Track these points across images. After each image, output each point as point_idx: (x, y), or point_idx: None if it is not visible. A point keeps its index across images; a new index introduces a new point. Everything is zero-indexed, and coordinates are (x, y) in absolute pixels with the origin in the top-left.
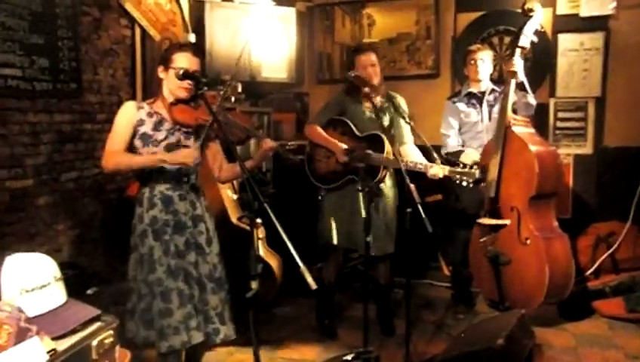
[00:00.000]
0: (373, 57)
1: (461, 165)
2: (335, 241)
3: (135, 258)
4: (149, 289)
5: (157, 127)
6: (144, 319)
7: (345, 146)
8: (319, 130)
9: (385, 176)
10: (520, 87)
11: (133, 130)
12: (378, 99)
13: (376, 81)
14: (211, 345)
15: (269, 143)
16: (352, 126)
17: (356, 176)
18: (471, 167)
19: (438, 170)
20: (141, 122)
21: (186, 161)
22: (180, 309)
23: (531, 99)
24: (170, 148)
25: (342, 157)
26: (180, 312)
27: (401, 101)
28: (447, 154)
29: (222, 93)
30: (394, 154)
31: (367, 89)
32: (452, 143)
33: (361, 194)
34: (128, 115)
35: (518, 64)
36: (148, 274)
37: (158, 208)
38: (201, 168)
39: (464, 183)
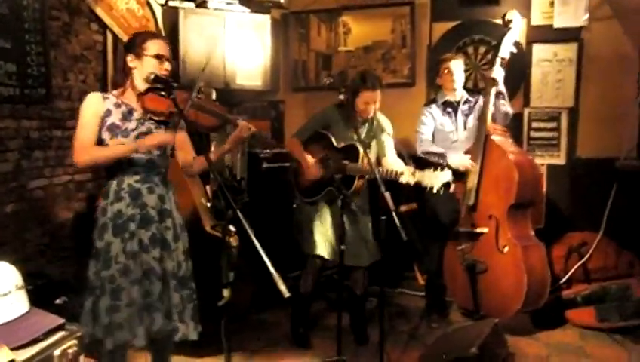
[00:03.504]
0: (377, 96)
1: (432, 168)
2: (319, 252)
3: (92, 252)
4: (101, 283)
5: (126, 117)
6: (93, 314)
7: (313, 160)
8: (297, 144)
9: (361, 186)
10: (500, 95)
11: (101, 122)
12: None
13: (370, 115)
14: (172, 341)
15: (246, 126)
16: (332, 138)
17: (335, 188)
18: (442, 169)
19: (408, 178)
20: (108, 113)
21: (165, 140)
22: (127, 307)
23: (509, 109)
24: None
25: (311, 174)
26: (127, 310)
27: (386, 123)
28: (424, 153)
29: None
30: (369, 164)
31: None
32: (428, 141)
33: (333, 205)
34: (94, 106)
35: (498, 72)
36: (102, 269)
37: (124, 202)
38: (170, 161)
39: (434, 190)
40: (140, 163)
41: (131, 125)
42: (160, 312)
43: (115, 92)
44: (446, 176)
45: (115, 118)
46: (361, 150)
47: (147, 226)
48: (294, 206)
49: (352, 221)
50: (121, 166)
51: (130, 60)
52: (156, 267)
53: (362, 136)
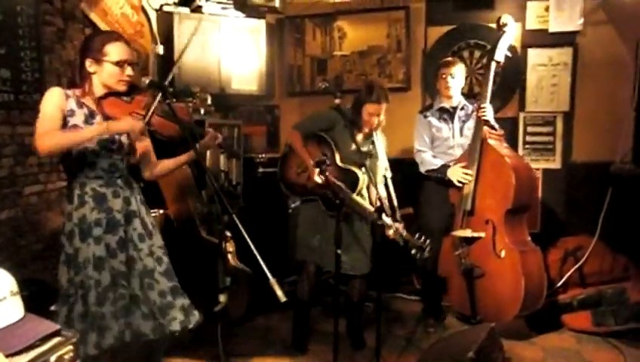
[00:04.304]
0: (382, 109)
1: (416, 236)
2: (313, 259)
3: (62, 259)
4: (74, 290)
5: (88, 120)
6: (68, 322)
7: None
8: (301, 142)
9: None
10: (491, 127)
11: (64, 119)
12: (360, 137)
13: (375, 129)
14: (161, 338)
15: (214, 135)
16: (336, 153)
17: (324, 203)
18: (425, 241)
19: (395, 236)
20: (72, 112)
21: (132, 128)
22: (94, 312)
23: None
24: (103, 144)
25: (312, 178)
26: (94, 315)
27: (384, 140)
28: (427, 171)
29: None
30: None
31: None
32: (429, 158)
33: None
34: (57, 100)
35: (489, 111)
36: (74, 276)
37: (88, 206)
38: (130, 162)
39: (412, 251)
40: (101, 167)
41: None
42: (137, 314)
43: (76, 91)
44: (425, 252)
45: (78, 120)
46: (360, 182)
47: (114, 231)
48: (290, 211)
49: (350, 227)
50: (82, 169)
51: (89, 65)
52: (125, 270)
53: (363, 149)
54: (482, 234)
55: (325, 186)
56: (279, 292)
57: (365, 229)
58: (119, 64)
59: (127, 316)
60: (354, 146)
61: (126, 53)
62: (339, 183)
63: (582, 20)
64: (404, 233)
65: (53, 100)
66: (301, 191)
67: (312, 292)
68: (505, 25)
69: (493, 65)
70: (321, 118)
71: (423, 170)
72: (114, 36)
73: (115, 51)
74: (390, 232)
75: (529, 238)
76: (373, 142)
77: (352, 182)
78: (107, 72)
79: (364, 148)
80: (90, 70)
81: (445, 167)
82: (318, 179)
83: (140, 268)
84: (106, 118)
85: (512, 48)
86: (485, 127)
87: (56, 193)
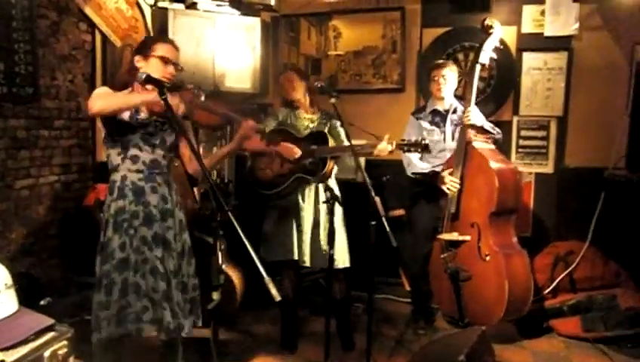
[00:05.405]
0: (290, 75)
1: (406, 140)
2: (284, 257)
3: (98, 248)
4: (99, 280)
5: (134, 115)
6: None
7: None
8: (258, 140)
9: (332, 168)
10: (482, 130)
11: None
12: (307, 115)
13: (294, 96)
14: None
15: (250, 124)
16: (292, 131)
17: (305, 174)
18: (418, 141)
19: (385, 146)
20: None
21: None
22: (117, 302)
23: (498, 136)
24: (146, 139)
25: (293, 153)
26: (116, 305)
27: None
28: (414, 174)
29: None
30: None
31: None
32: (416, 161)
33: (305, 205)
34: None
35: (474, 115)
36: (101, 265)
37: (127, 199)
38: (172, 161)
39: (413, 153)
40: (143, 161)
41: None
42: (167, 310)
43: (125, 92)
44: (422, 142)
45: (124, 115)
46: (329, 136)
47: (149, 225)
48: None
49: (317, 221)
50: (124, 162)
51: (137, 60)
52: (159, 266)
53: (315, 124)
54: (468, 238)
55: (303, 155)
56: (273, 291)
57: (337, 226)
58: (163, 59)
59: (163, 310)
60: (306, 123)
61: (171, 53)
62: (313, 147)
63: (577, 25)
64: (394, 143)
65: (103, 89)
66: (281, 180)
67: (296, 291)
68: (490, 27)
69: (478, 67)
70: (269, 119)
71: (409, 172)
72: (165, 39)
73: (161, 49)
74: (383, 145)
75: (515, 241)
76: (322, 120)
77: (321, 139)
78: (152, 65)
79: (315, 124)
80: (137, 65)
81: (434, 174)
82: (295, 149)
83: (170, 267)
84: (152, 114)
85: (498, 51)
86: (471, 130)
87: (47, 187)
